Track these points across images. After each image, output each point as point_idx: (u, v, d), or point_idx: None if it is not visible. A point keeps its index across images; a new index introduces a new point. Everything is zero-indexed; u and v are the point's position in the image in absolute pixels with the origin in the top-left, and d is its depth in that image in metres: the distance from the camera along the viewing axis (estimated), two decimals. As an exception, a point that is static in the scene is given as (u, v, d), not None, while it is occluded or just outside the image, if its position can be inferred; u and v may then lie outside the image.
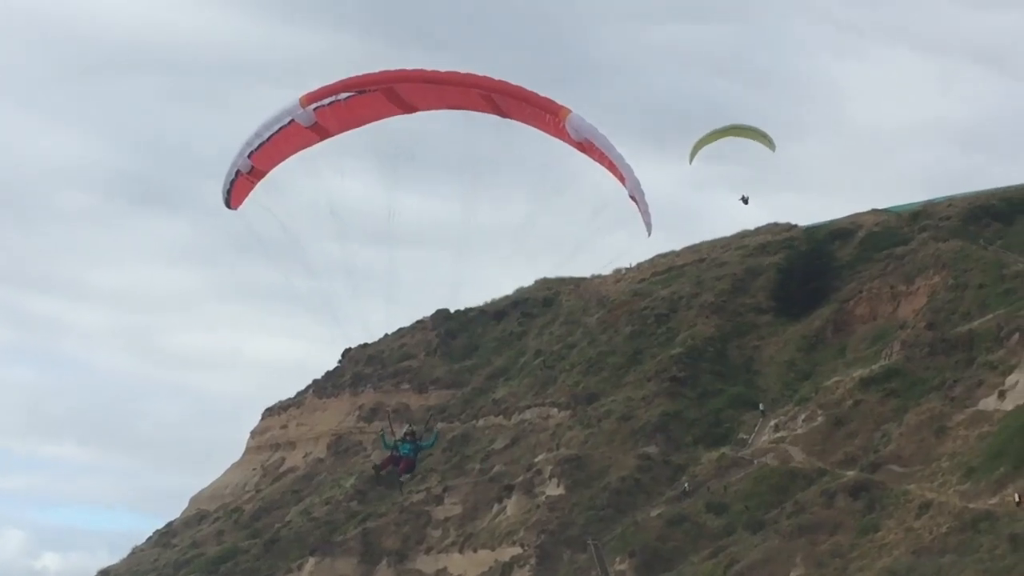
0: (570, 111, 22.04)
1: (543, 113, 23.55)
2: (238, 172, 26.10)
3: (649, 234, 25.02)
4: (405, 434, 34.10)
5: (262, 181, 28.13)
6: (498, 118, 24.69)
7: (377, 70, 25.41)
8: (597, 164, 24.98)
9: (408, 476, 37.44)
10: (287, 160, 27.84)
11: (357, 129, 27.76)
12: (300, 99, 24.65)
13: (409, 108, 25.67)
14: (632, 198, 22.66)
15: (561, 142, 25.39)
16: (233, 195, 27.49)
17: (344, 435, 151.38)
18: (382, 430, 37.78)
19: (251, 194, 29.09)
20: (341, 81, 24.26)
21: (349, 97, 24.97)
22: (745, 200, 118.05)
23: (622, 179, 22.51)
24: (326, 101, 24.72)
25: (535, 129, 25.48)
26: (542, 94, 24.44)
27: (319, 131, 25.96)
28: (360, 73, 25.25)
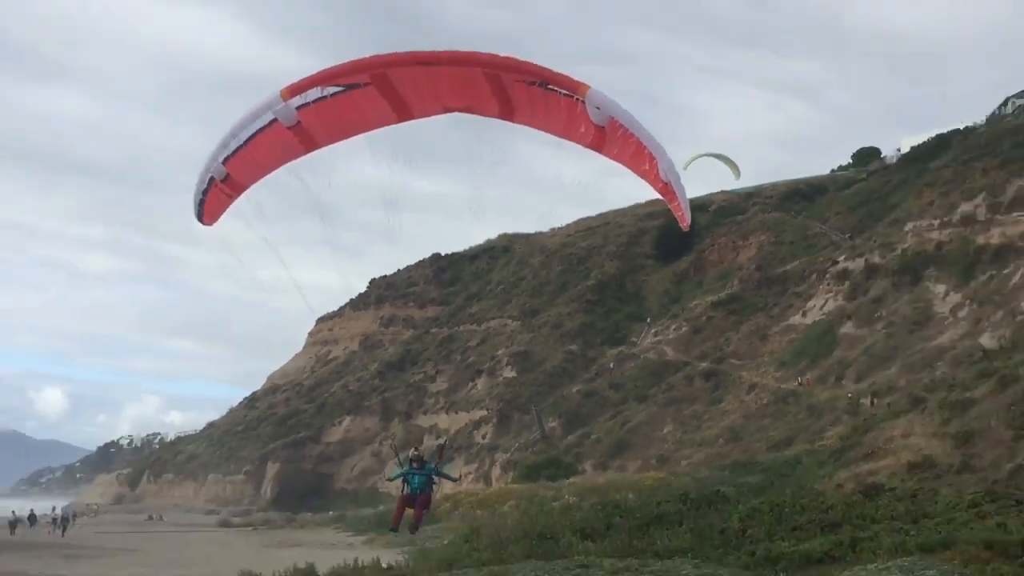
0: (589, 86, 14.86)
1: (558, 95, 15.05)
2: (211, 180, 17.09)
3: (686, 227, 17.18)
4: (411, 460, 23.33)
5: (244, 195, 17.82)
6: (500, 122, 16.51)
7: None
8: (617, 155, 15.87)
9: (425, 516, 23.56)
10: (271, 173, 17.46)
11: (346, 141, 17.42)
12: (280, 92, 16.13)
13: (404, 110, 16.58)
14: (667, 183, 15.51)
15: (571, 143, 16.17)
16: (206, 208, 17.82)
17: (370, 336, 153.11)
18: (396, 457, 25.27)
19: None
20: (327, 69, 16.09)
21: (336, 94, 16.03)
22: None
23: (654, 162, 15.17)
24: (311, 96, 15.91)
25: (541, 131, 16.44)
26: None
27: (304, 137, 16.64)
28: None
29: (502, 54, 15.32)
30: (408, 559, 30.36)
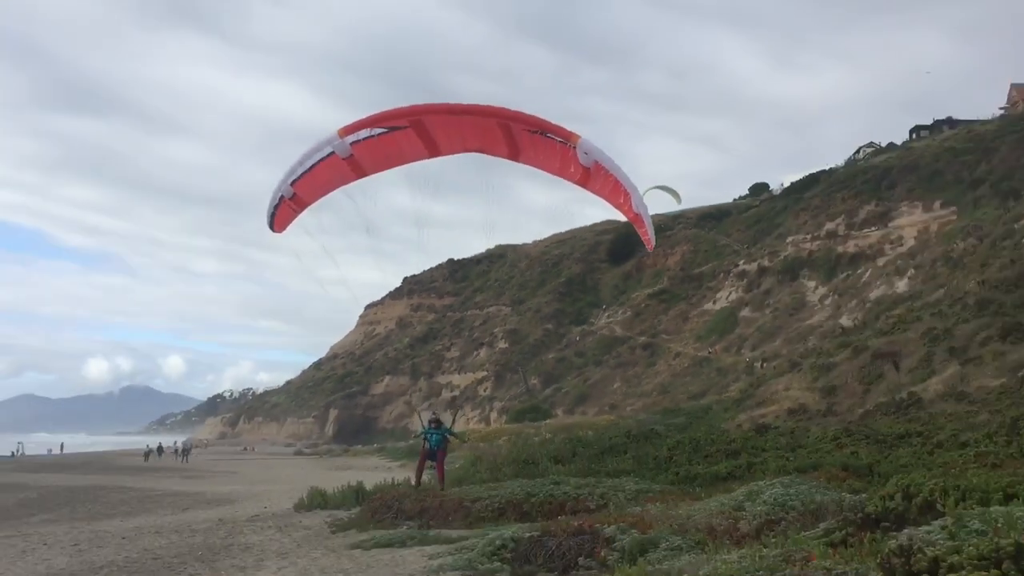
0: (580, 136, 14.44)
1: (554, 142, 14.61)
2: (282, 198, 16.43)
3: (651, 248, 16.55)
4: (430, 422, 22.61)
5: (308, 209, 17.18)
6: (509, 162, 15.09)
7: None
8: (599, 190, 15.41)
9: (442, 488, 22.05)
10: (328, 194, 16.84)
11: (389, 171, 16.87)
12: (338, 131, 15.49)
13: (434, 148, 15.77)
14: (637, 215, 14.95)
15: (562, 180, 15.75)
16: (277, 220, 17.18)
17: (404, 318, 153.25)
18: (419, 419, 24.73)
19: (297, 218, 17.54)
20: (374, 115, 15.40)
21: (382, 134, 15.42)
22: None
23: (628, 197, 14.73)
24: (362, 135, 15.33)
25: (541, 170, 15.83)
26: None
27: (355, 167, 15.92)
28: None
29: (511, 109, 15.04)
30: (430, 478, 30.29)
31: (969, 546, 6.50)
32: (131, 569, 16.23)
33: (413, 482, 21.29)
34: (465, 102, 15.34)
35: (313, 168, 15.62)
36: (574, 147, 14.43)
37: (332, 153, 15.34)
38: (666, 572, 9.24)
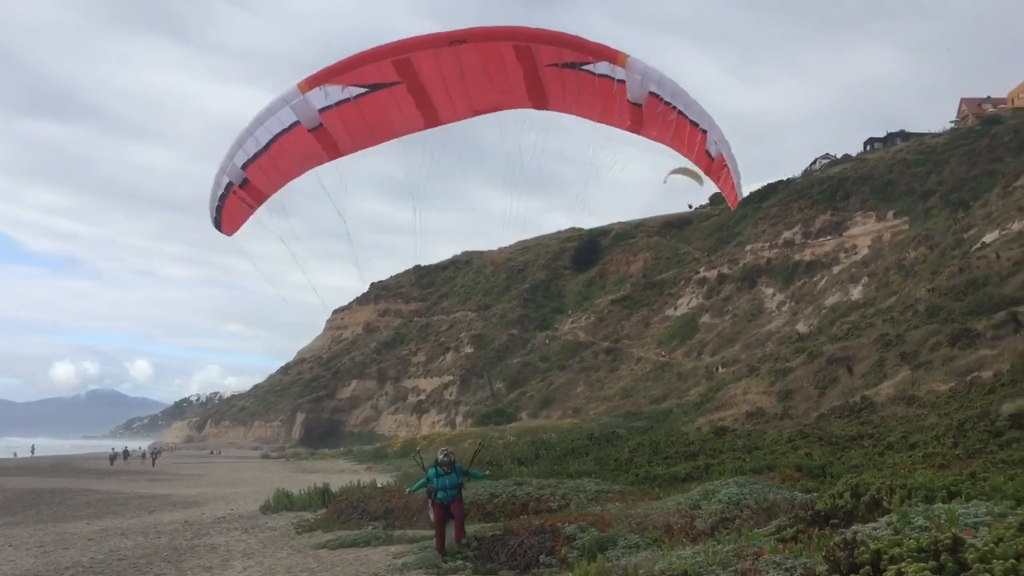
0: (629, 55, 10.33)
1: (591, 77, 10.54)
2: (230, 185, 11.86)
3: (734, 205, 12.18)
4: (441, 463, 14.30)
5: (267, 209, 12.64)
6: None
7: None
8: (659, 133, 11.14)
9: (465, 540, 14.19)
10: (293, 180, 12.48)
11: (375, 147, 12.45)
12: (298, 84, 11.03)
13: (431, 112, 11.64)
14: (718, 158, 10.78)
15: (604, 126, 11.35)
16: (224, 216, 12.49)
17: (371, 323, 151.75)
18: (417, 462, 16.57)
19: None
20: (346, 59, 10.94)
21: (361, 96, 11.05)
22: (690, 206, 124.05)
23: (698, 136, 10.56)
24: (333, 99, 10.95)
25: (578, 117, 11.50)
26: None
27: (327, 144, 11.62)
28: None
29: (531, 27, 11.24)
30: (397, 479, 30.17)
31: (909, 539, 6.70)
32: (96, 570, 16.10)
33: (435, 548, 14.17)
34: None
35: (271, 145, 11.59)
36: (619, 81, 10.83)
37: (296, 124, 11.43)
38: (623, 568, 9.36)
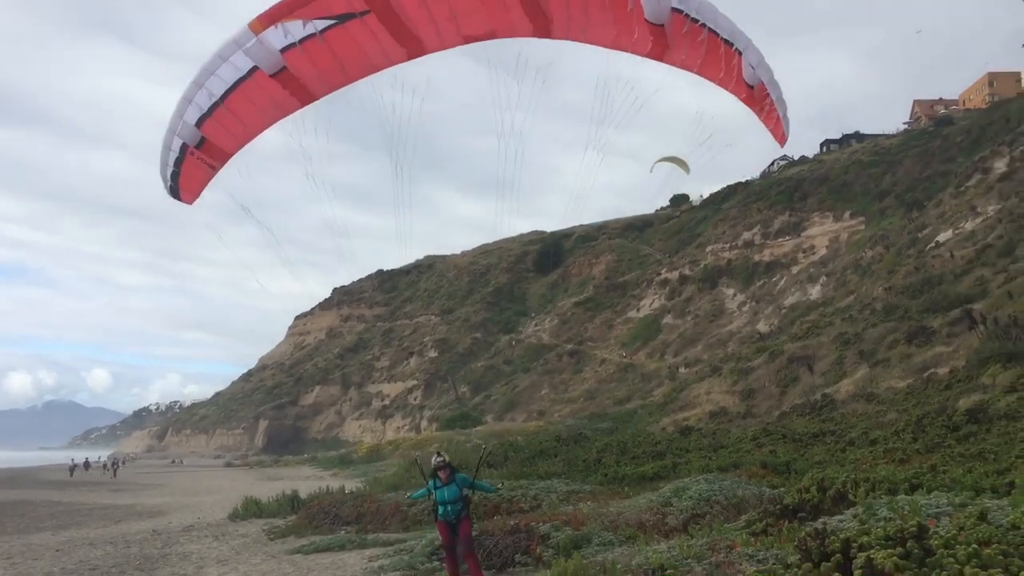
0: None
1: None
2: (184, 147, 9.89)
3: (783, 143, 9.83)
4: (437, 469, 11.40)
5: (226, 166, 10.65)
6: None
7: None
8: (687, 58, 8.86)
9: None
10: (259, 134, 10.47)
11: (345, 87, 10.29)
12: (250, 24, 9.12)
13: (412, 41, 9.53)
14: (759, 87, 8.68)
15: (622, 53, 9.21)
16: (182, 182, 10.60)
17: (333, 328, 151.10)
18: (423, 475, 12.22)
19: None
20: None
21: (328, 29, 8.96)
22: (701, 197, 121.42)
23: (735, 60, 8.45)
24: (297, 35, 8.93)
25: (591, 45, 9.28)
26: None
27: (295, 87, 9.65)
28: None
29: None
30: (365, 484, 30.11)
31: (876, 528, 7.01)
32: (69, 580, 16.00)
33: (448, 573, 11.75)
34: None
35: (228, 96, 10.01)
36: None
37: (254, 69, 9.80)
38: (601, 564, 9.59)
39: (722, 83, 9.54)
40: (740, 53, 9.10)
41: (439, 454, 11.76)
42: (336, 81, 10.42)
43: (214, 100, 9.97)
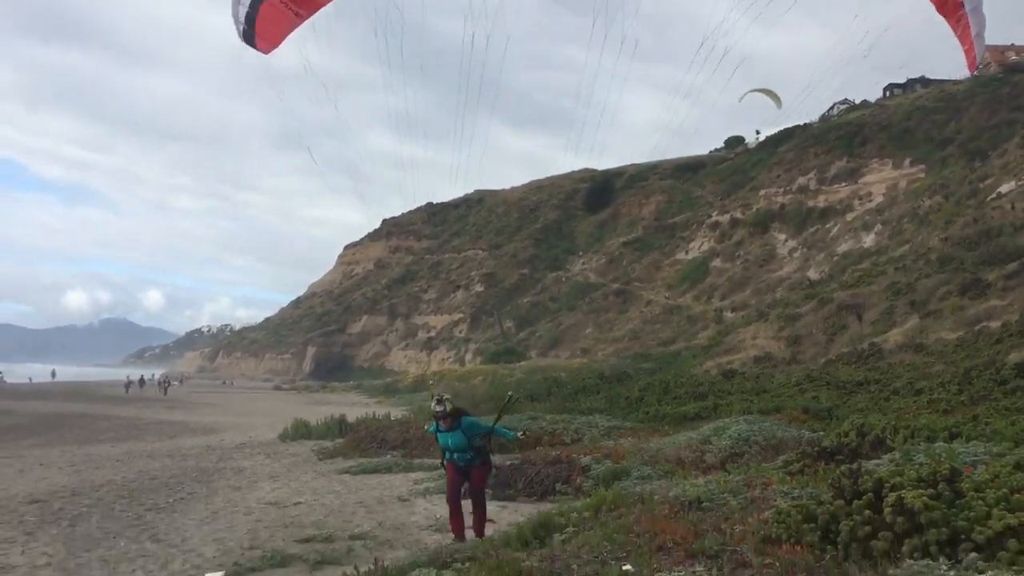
0: None
1: None
2: None
3: (972, 70, 10.53)
4: (437, 415, 10.17)
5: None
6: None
7: None
8: None
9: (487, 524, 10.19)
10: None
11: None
12: None
13: None
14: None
15: None
16: (259, 27, 8.83)
17: (382, 259, 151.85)
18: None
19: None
20: None
21: None
22: (758, 133, 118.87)
23: None
24: None
25: None
26: None
27: None
28: None
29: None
30: (410, 412, 30.84)
31: (910, 470, 7.23)
32: (131, 487, 16.87)
33: (450, 528, 10.51)
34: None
35: None
36: None
37: None
38: (639, 494, 9.94)
39: None
40: None
41: (439, 401, 10.40)
42: None
43: None
